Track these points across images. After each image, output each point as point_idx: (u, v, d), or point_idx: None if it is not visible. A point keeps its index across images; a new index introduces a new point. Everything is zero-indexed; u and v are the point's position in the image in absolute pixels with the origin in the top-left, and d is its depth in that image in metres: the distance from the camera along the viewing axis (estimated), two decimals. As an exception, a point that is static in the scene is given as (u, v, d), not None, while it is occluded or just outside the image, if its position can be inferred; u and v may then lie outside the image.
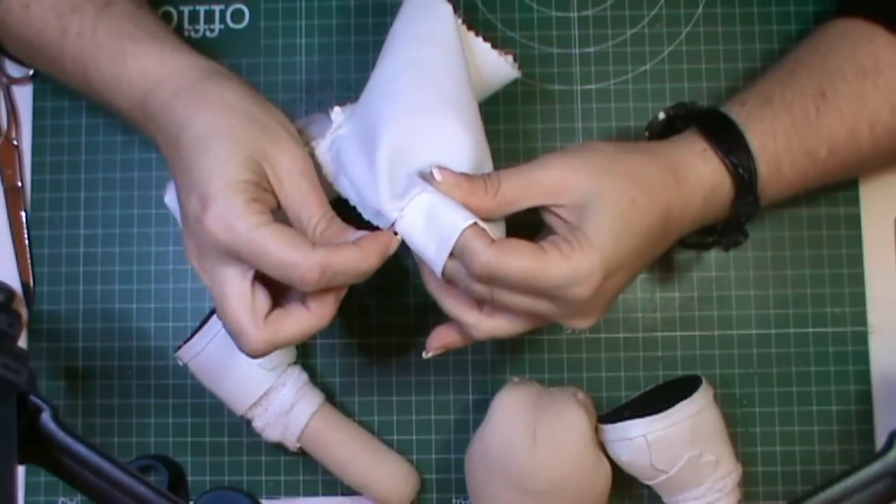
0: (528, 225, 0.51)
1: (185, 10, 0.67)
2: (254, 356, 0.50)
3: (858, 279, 0.63)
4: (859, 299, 0.63)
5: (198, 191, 0.48)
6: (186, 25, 0.67)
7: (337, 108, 0.53)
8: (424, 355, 0.55)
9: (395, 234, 0.49)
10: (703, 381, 0.58)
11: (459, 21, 0.53)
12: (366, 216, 0.51)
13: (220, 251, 0.48)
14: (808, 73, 0.55)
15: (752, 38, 0.65)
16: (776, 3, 0.65)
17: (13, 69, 0.67)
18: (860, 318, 0.63)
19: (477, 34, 0.54)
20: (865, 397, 0.62)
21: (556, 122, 0.65)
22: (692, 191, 0.51)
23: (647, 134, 0.58)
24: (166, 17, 0.67)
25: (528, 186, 0.49)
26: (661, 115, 0.57)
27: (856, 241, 0.63)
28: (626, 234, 0.48)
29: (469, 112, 0.51)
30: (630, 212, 0.48)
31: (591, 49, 0.65)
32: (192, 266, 0.50)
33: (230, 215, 0.47)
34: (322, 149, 0.53)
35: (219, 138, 0.49)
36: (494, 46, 0.55)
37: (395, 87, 0.51)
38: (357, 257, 0.47)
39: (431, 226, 0.48)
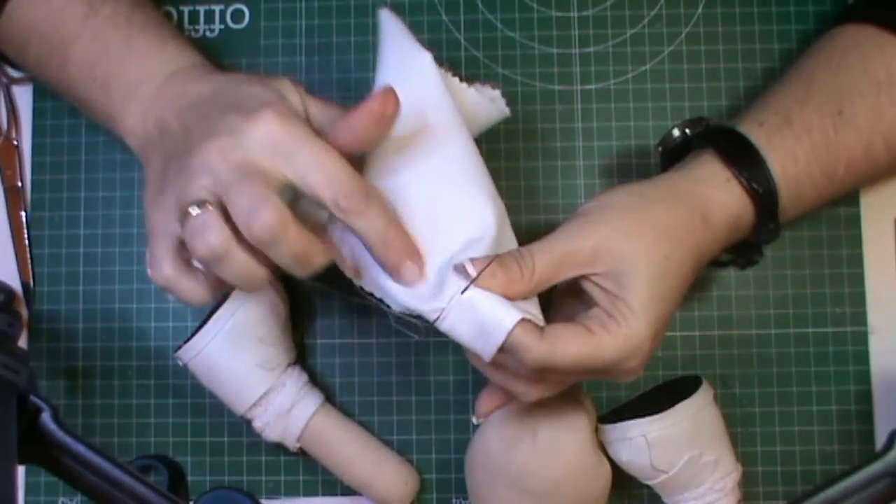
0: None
1: (185, 10, 0.67)
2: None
3: (858, 279, 0.63)
4: (859, 299, 0.63)
5: (233, 111, 0.47)
6: (186, 25, 0.67)
7: None
8: (474, 421, 0.54)
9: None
10: (703, 381, 0.58)
11: (442, 70, 0.50)
12: (396, 310, 0.48)
13: (255, 162, 0.45)
14: (824, 90, 0.54)
15: (752, 38, 0.65)
16: (776, 3, 0.65)
17: (13, 69, 0.67)
18: (860, 318, 0.63)
19: (461, 80, 0.52)
20: (865, 397, 0.62)
21: (556, 122, 0.65)
22: (719, 225, 0.51)
23: (659, 149, 0.57)
24: (166, 17, 0.67)
25: (563, 261, 0.48)
26: (676, 132, 0.56)
27: (856, 241, 0.63)
28: (666, 293, 0.48)
29: (489, 186, 0.49)
30: (666, 269, 0.48)
31: (591, 49, 0.65)
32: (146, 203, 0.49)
33: (286, 116, 0.46)
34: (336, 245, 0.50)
35: (246, 84, 0.50)
36: (479, 84, 0.53)
37: (402, 177, 0.48)
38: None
39: (477, 324, 0.46)
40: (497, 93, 0.54)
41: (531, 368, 0.47)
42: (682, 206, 0.50)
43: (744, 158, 0.52)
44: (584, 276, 0.49)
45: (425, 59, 0.50)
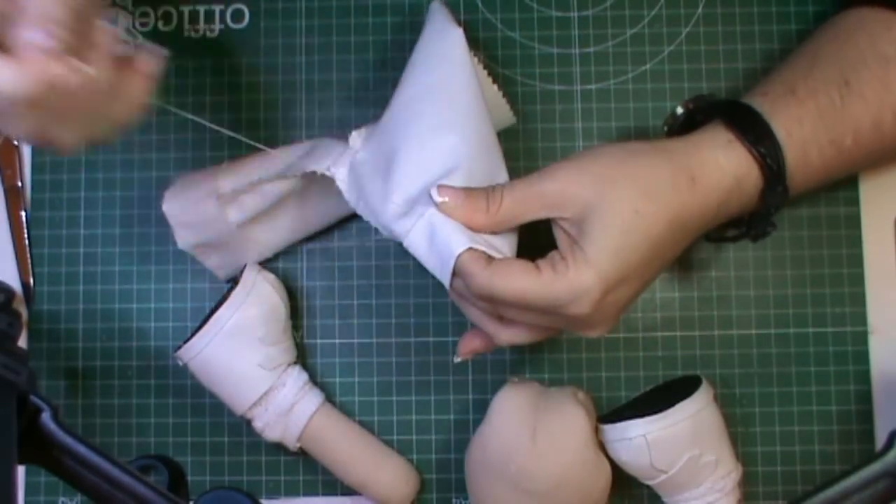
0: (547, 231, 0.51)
1: (185, 10, 0.67)
2: None
3: (858, 279, 0.63)
4: (859, 299, 0.63)
5: None
6: (186, 25, 0.67)
7: (354, 133, 0.54)
8: (455, 360, 0.56)
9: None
10: (703, 381, 0.58)
11: (472, 53, 0.54)
12: (384, 234, 0.52)
13: None
14: (829, 62, 0.53)
15: (752, 38, 0.65)
16: (776, 3, 0.65)
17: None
18: (860, 318, 0.63)
19: (489, 73, 0.56)
20: (865, 397, 0.62)
21: (556, 122, 0.65)
22: (711, 187, 0.50)
23: (665, 129, 0.57)
24: (166, 17, 0.67)
25: (529, 199, 0.49)
26: (680, 110, 0.56)
27: (856, 241, 0.63)
28: (628, 249, 0.47)
29: (475, 124, 0.51)
30: (633, 224, 0.47)
31: (591, 49, 0.65)
32: None
33: None
34: (341, 174, 0.53)
35: None
36: (500, 88, 0.57)
37: (409, 112, 0.52)
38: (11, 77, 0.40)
39: (434, 247, 0.49)
40: (507, 105, 0.59)
41: (478, 297, 0.48)
42: (668, 163, 0.49)
43: (747, 122, 0.51)
44: (554, 222, 0.49)
45: (457, 32, 0.53)
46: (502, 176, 0.52)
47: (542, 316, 0.49)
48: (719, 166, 0.50)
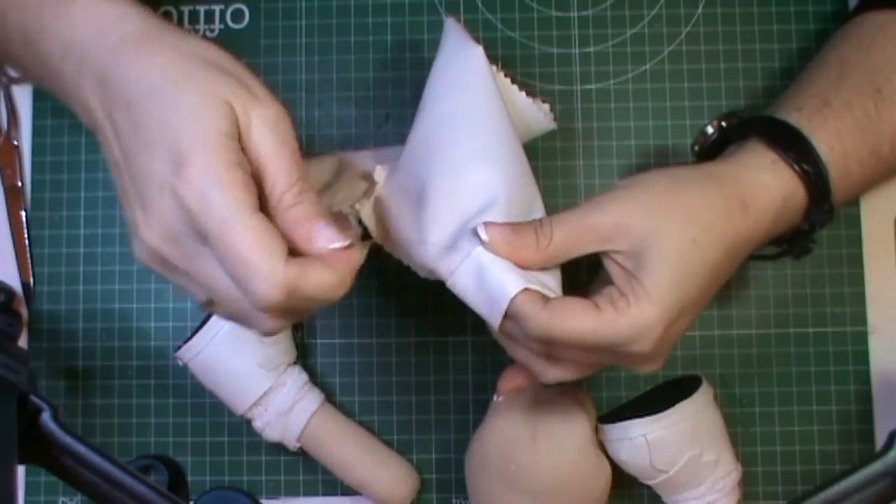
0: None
1: (185, 10, 0.67)
2: (268, 309, 0.41)
3: (858, 279, 0.63)
4: (859, 299, 0.63)
5: (166, 147, 0.40)
6: (186, 25, 0.67)
7: (378, 168, 0.52)
8: (496, 399, 0.54)
9: (363, 240, 0.45)
10: (703, 381, 0.58)
11: (495, 68, 0.51)
12: (421, 275, 0.49)
13: (186, 225, 0.40)
14: (857, 71, 0.53)
15: (752, 38, 0.65)
16: (776, 3, 0.65)
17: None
18: (860, 318, 0.63)
19: (513, 81, 0.53)
20: (865, 397, 0.62)
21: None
22: (762, 212, 0.48)
23: (696, 149, 0.55)
24: (166, 17, 0.67)
25: (582, 233, 0.47)
26: (710, 129, 0.54)
27: (856, 241, 0.63)
28: (688, 279, 0.46)
29: (508, 152, 0.49)
30: (691, 253, 0.46)
31: (591, 49, 0.65)
32: (152, 268, 0.43)
33: (208, 181, 0.39)
34: (366, 211, 0.51)
35: (186, 83, 0.41)
36: (531, 95, 0.53)
37: (435, 142, 0.49)
38: (331, 283, 0.41)
39: (483, 288, 0.46)
40: (546, 107, 0.55)
41: (534, 339, 0.46)
42: (720, 189, 0.48)
43: (787, 140, 0.50)
44: (605, 254, 0.47)
45: (477, 51, 0.50)
46: (538, 205, 0.50)
47: (598, 354, 0.47)
48: (768, 189, 0.49)
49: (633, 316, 0.45)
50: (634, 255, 0.46)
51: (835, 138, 0.50)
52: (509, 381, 0.54)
